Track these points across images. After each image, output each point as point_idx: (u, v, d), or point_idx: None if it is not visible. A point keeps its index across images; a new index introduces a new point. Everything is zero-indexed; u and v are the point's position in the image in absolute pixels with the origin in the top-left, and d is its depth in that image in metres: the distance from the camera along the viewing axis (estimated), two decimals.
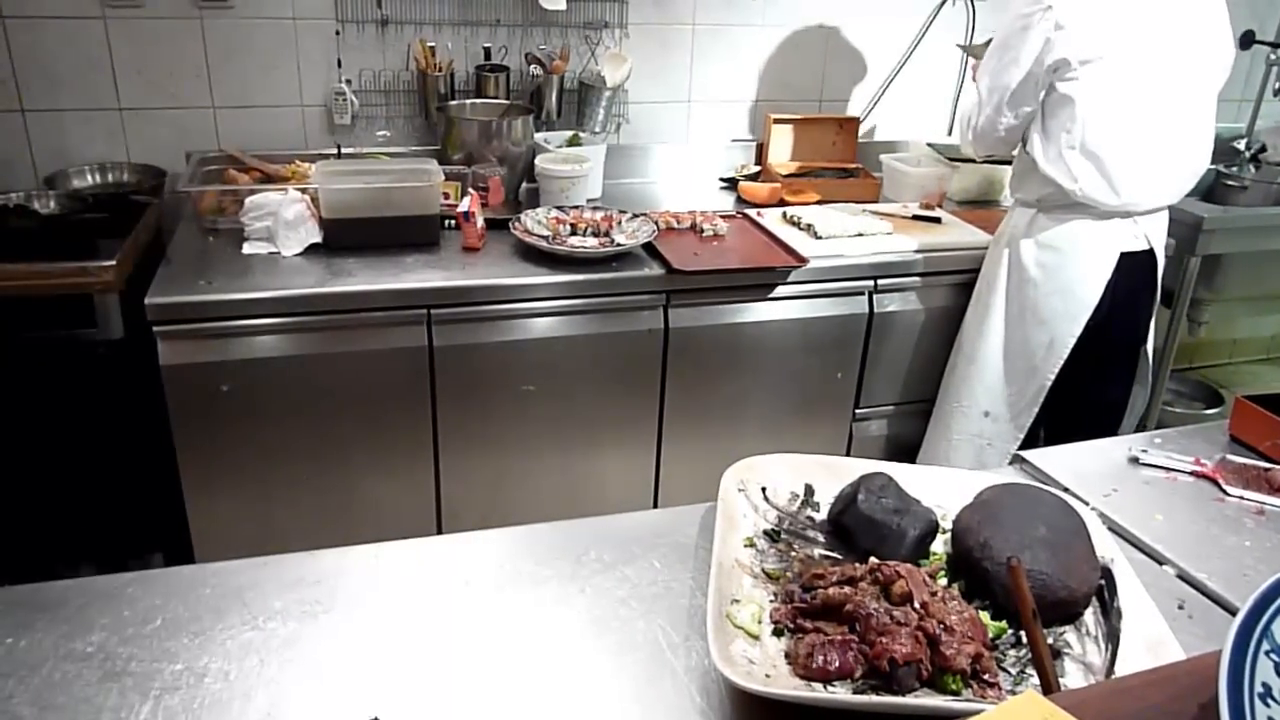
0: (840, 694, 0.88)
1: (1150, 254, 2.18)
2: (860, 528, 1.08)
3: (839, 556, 1.10)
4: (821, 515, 1.17)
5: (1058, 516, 1.06)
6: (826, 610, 0.96)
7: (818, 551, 1.12)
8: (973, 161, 2.76)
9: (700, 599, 1.03)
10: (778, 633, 0.97)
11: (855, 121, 2.96)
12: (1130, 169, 2.05)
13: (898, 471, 1.19)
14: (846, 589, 0.96)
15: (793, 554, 1.11)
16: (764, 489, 1.19)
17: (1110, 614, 0.99)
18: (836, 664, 0.90)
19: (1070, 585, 0.99)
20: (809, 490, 1.20)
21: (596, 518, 1.18)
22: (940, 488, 1.20)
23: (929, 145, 3.03)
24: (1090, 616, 1.01)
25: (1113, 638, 0.96)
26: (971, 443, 2.35)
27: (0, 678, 0.89)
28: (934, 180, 2.77)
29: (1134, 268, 2.16)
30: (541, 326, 2.12)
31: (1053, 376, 2.21)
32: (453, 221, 2.25)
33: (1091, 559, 1.03)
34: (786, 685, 0.89)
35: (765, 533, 1.14)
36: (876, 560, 1.01)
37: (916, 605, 0.92)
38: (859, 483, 1.12)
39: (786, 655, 0.94)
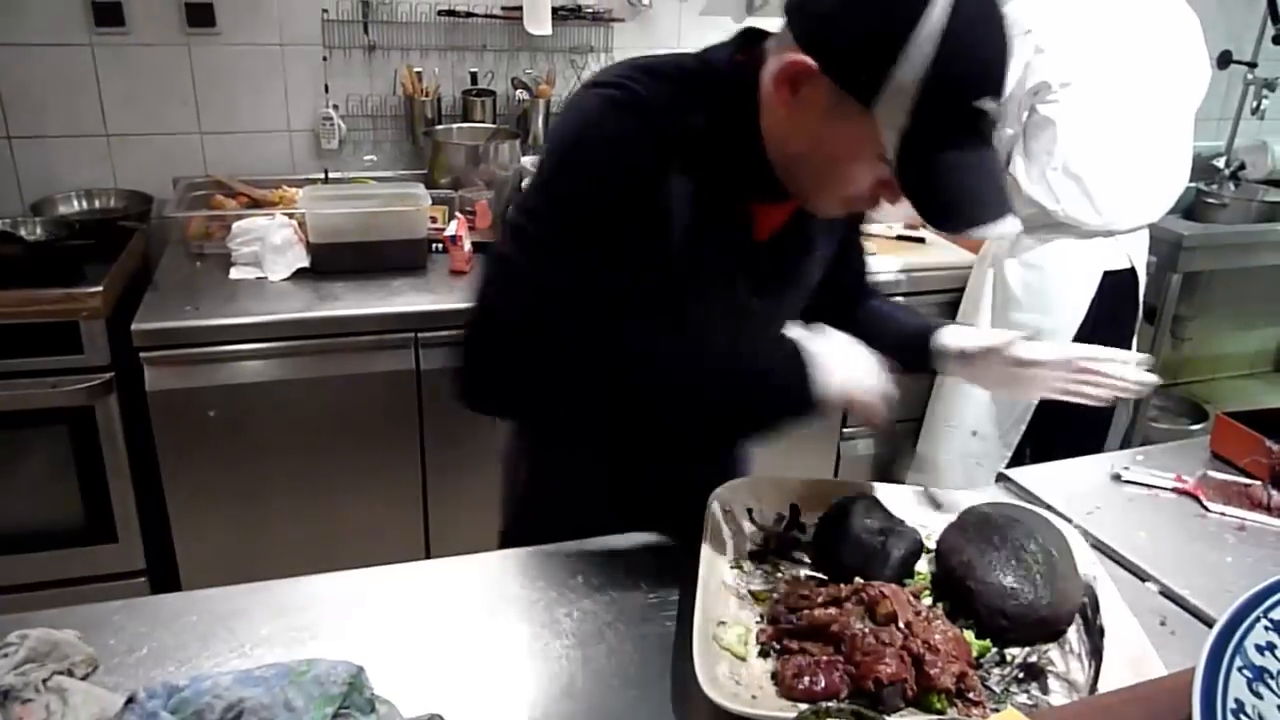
0: None
1: (1132, 272, 2.21)
2: (846, 548, 1.08)
3: (825, 577, 1.10)
4: (807, 536, 1.17)
5: (1041, 535, 1.07)
6: (812, 631, 0.96)
7: (803, 572, 1.12)
8: None
9: (687, 621, 1.03)
10: (764, 654, 0.97)
11: None
12: (1111, 189, 2.08)
13: (883, 491, 1.20)
14: (832, 610, 0.97)
15: (779, 575, 1.11)
16: (750, 510, 1.20)
17: (1093, 631, 1.00)
18: (822, 684, 0.90)
19: (1054, 603, 0.99)
20: (795, 511, 1.21)
21: (584, 540, 1.18)
22: (925, 508, 1.20)
23: None
24: (1074, 634, 1.01)
25: (1096, 655, 0.96)
26: (961, 461, 2.36)
27: None
28: None
29: (1116, 286, 2.18)
30: None
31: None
32: (440, 245, 2.26)
33: (1074, 577, 1.04)
34: (772, 706, 0.90)
35: (751, 554, 1.14)
36: (861, 581, 1.01)
37: (901, 625, 0.93)
38: (844, 503, 1.13)
39: (773, 676, 0.94)
